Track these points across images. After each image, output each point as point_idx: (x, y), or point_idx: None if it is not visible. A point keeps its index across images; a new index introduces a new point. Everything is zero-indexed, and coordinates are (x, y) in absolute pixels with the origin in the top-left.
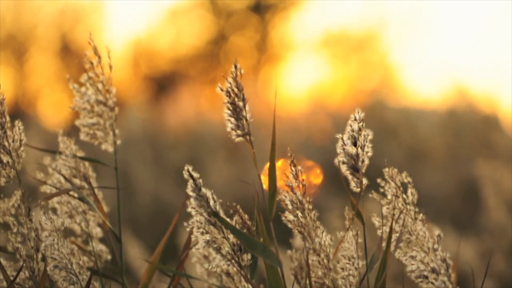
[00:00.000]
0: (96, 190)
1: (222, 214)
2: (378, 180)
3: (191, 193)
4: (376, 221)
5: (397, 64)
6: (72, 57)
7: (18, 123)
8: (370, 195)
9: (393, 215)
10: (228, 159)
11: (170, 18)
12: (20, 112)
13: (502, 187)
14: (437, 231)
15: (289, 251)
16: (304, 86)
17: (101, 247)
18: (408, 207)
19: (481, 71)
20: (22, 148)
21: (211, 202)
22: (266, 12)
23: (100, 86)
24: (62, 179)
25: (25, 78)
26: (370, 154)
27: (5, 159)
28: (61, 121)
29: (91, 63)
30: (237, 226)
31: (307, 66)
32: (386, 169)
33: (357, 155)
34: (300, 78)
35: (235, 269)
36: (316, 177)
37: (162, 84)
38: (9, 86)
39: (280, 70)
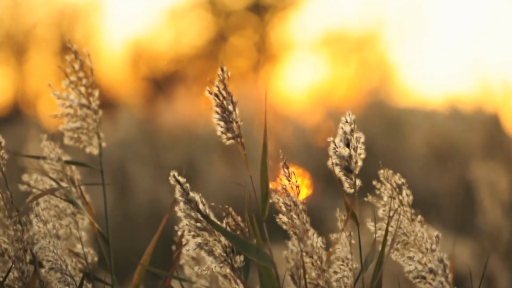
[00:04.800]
0: (84, 193)
1: (212, 217)
2: (374, 182)
3: (179, 198)
4: (371, 225)
5: (397, 64)
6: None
7: None
8: (365, 199)
9: (389, 216)
10: (227, 160)
11: (170, 19)
12: (19, 112)
13: (498, 188)
14: (435, 232)
15: (285, 252)
16: (304, 86)
17: (88, 249)
18: (404, 208)
19: (481, 70)
20: (2, 151)
21: (200, 206)
22: (265, 12)
23: (83, 89)
24: (48, 186)
25: (25, 79)
26: (362, 156)
27: None
28: (58, 122)
29: (73, 67)
30: (229, 228)
31: (307, 66)
32: (381, 171)
33: (350, 156)
34: (299, 78)
35: (228, 270)
36: (314, 179)
37: (161, 84)
38: (8, 87)
39: (279, 70)
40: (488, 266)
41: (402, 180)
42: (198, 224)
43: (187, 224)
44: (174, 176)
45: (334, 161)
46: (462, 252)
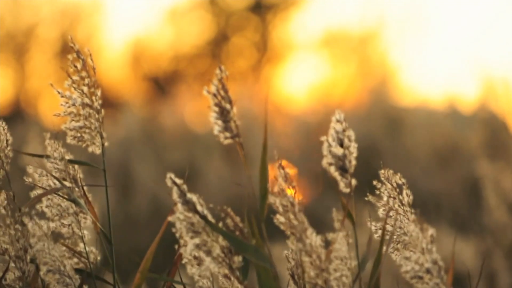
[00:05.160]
0: (86, 192)
1: (210, 217)
2: (374, 182)
3: (177, 199)
4: (372, 225)
5: (398, 64)
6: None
7: (2, 123)
8: (366, 198)
9: (389, 216)
10: (229, 160)
11: (171, 19)
12: (20, 111)
13: (502, 187)
14: (430, 231)
15: (285, 251)
16: (305, 85)
17: (91, 248)
18: (404, 208)
19: (481, 70)
20: (9, 148)
21: (198, 207)
22: (267, 12)
23: (85, 89)
24: (51, 183)
25: (26, 78)
26: (355, 155)
27: None
28: (59, 121)
29: (75, 67)
30: (228, 229)
31: (308, 66)
32: (382, 171)
33: (344, 155)
34: (300, 77)
35: (226, 271)
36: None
37: (163, 84)
38: (10, 86)
39: (280, 70)
40: (491, 264)
41: (403, 180)
42: (196, 225)
43: (185, 225)
44: (171, 177)
45: (328, 160)
46: (466, 251)
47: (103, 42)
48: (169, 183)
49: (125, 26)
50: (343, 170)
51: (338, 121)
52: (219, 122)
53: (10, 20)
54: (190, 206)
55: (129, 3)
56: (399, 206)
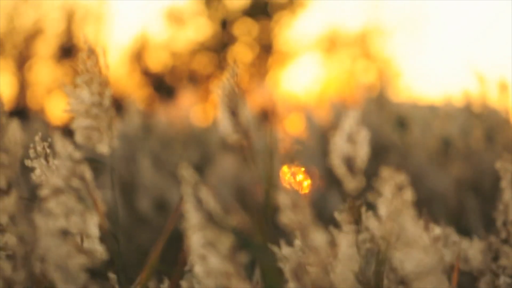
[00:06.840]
0: (93, 191)
1: (219, 214)
2: (376, 181)
3: (187, 192)
4: (375, 224)
5: (400, 62)
6: (75, 57)
7: (12, 122)
8: (368, 198)
9: (391, 215)
10: (234, 157)
11: (175, 19)
12: (25, 110)
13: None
14: (436, 230)
15: (287, 250)
16: (307, 85)
17: (97, 246)
18: (406, 207)
19: (480, 69)
20: (18, 146)
21: (208, 202)
22: (270, 13)
23: (95, 87)
24: (59, 181)
25: (30, 77)
26: (366, 154)
27: (5, 159)
28: (66, 119)
29: (85, 65)
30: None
31: (309, 65)
32: (384, 169)
33: (354, 154)
34: (303, 77)
35: (231, 268)
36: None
37: (167, 83)
38: (14, 84)
39: (283, 70)
40: (499, 263)
41: (405, 178)
42: (204, 220)
43: (193, 220)
44: (184, 169)
45: (336, 158)
46: (473, 250)
47: (103, 42)
48: (182, 173)
49: (129, 26)
50: (351, 169)
51: (351, 118)
52: (228, 120)
53: (12, 20)
54: (199, 200)
55: (131, 3)
56: (401, 204)
